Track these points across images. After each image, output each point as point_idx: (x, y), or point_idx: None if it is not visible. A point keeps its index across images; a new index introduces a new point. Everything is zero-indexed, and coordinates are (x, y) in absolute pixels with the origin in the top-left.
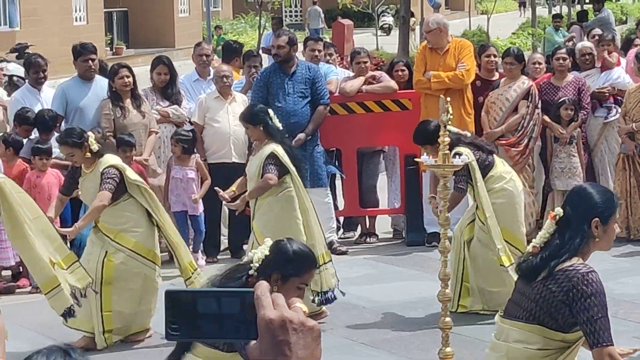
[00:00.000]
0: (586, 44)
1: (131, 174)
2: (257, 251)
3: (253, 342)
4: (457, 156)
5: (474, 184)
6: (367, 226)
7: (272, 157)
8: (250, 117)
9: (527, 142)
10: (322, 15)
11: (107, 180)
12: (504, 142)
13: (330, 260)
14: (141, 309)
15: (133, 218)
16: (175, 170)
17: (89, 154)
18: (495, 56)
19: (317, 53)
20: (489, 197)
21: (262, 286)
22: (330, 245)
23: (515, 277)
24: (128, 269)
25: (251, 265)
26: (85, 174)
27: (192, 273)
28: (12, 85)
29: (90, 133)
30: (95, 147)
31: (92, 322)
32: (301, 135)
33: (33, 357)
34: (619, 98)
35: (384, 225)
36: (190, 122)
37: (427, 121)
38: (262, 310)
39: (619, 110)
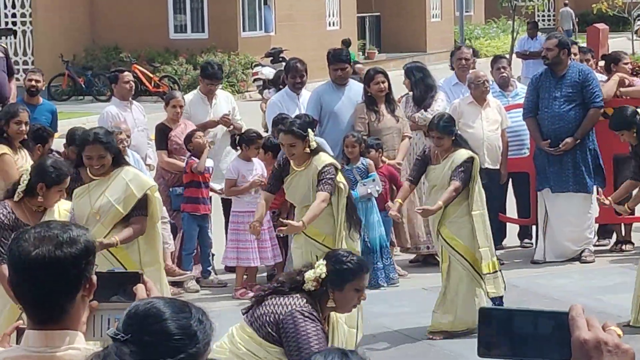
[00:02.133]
0: None
1: (340, 176)
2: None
3: None
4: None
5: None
6: (623, 234)
7: (470, 160)
8: (443, 127)
9: None
10: (574, 17)
11: (328, 181)
12: None
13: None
14: None
15: (331, 221)
16: None
17: (307, 149)
18: None
19: (572, 56)
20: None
21: (577, 308)
22: (580, 253)
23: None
24: None
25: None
26: (294, 171)
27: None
28: (265, 88)
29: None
30: (313, 144)
31: None
32: (568, 140)
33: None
34: None
35: None
36: None
37: (623, 107)
38: (577, 331)
39: None
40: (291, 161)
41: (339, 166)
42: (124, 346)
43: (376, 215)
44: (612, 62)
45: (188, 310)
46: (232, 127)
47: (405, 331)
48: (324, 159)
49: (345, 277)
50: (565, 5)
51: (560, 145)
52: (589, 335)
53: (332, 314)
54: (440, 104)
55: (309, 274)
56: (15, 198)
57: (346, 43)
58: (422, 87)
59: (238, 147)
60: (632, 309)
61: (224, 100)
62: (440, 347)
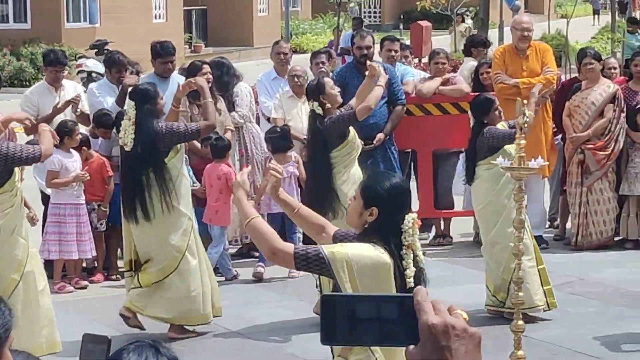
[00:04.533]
0: None
1: None
2: None
3: (412, 346)
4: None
5: None
6: (442, 228)
7: None
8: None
9: (613, 146)
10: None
11: None
12: (590, 146)
13: None
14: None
15: None
16: None
17: None
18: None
19: (393, 53)
20: None
21: (422, 291)
22: None
23: None
24: None
25: None
26: None
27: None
28: (90, 81)
29: None
30: None
31: None
32: (380, 135)
33: (123, 352)
34: None
35: (460, 227)
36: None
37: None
38: (425, 315)
39: None
40: None
41: None
42: None
43: None
44: (429, 59)
45: None
46: (79, 111)
47: (229, 325)
48: None
49: None
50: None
51: (375, 142)
52: (437, 320)
53: None
54: (243, 100)
55: None
56: None
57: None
58: (216, 85)
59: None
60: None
61: (71, 90)
62: (257, 343)
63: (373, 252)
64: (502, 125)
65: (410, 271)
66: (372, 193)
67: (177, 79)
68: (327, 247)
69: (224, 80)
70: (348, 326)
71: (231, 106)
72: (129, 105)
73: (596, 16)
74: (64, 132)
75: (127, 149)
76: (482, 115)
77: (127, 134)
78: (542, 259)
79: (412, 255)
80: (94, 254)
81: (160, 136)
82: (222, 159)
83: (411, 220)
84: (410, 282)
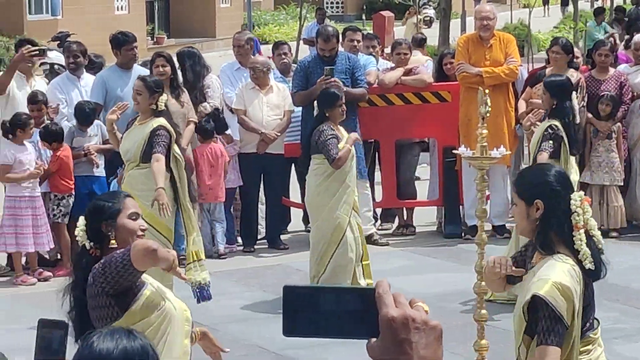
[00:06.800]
0: None
1: (176, 146)
2: None
3: (373, 339)
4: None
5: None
6: (405, 218)
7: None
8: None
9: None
10: None
11: (160, 143)
12: None
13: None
14: None
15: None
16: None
17: (153, 106)
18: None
19: (355, 43)
20: None
21: (384, 284)
22: (370, 237)
23: None
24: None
25: None
26: (135, 125)
27: (192, 262)
28: (53, 73)
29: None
30: (161, 105)
31: None
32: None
33: (94, 336)
34: None
35: (423, 217)
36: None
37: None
38: (385, 308)
39: None
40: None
41: (174, 135)
42: None
43: None
44: (392, 49)
45: None
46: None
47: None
48: (161, 122)
49: None
50: None
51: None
52: (396, 313)
53: None
54: (215, 91)
55: None
56: None
57: None
58: (191, 74)
59: (10, 134)
60: None
61: (40, 86)
62: (222, 334)
63: (565, 267)
64: None
65: (584, 252)
66: (530, 187)
67: (139, 70)
68: (541, 292)
69: (196, 70)
70: (309, 318)
71: (202, 97)
72: None
73: (546, 6)
74: (18, 125)
75: None
76: (325, 107)
77: None
78: (369, 256)
79: (584, 236)
80: (52, 246)
81: None
82: (210, 139)
83: (578, 198)
84: (588, 263)
